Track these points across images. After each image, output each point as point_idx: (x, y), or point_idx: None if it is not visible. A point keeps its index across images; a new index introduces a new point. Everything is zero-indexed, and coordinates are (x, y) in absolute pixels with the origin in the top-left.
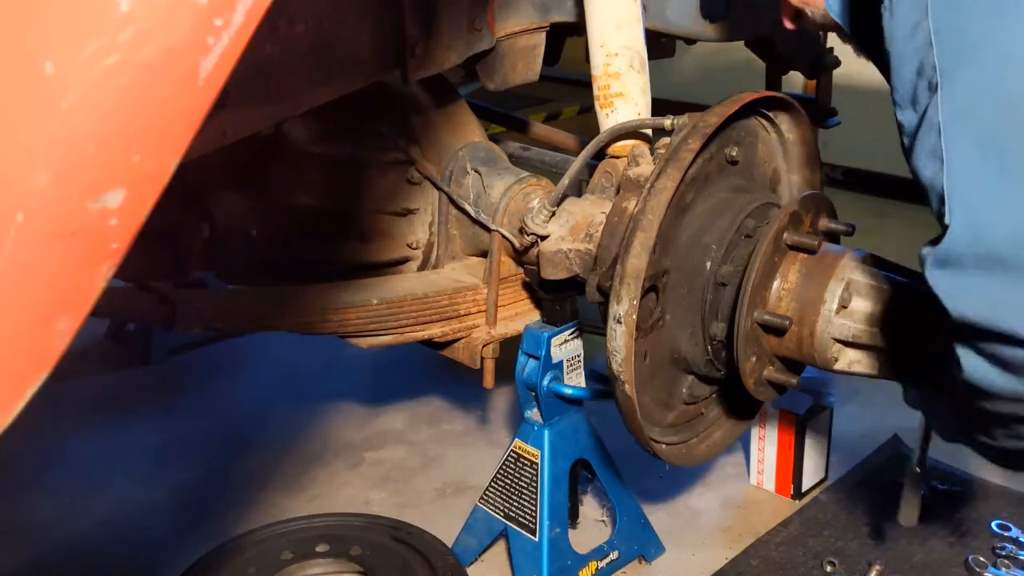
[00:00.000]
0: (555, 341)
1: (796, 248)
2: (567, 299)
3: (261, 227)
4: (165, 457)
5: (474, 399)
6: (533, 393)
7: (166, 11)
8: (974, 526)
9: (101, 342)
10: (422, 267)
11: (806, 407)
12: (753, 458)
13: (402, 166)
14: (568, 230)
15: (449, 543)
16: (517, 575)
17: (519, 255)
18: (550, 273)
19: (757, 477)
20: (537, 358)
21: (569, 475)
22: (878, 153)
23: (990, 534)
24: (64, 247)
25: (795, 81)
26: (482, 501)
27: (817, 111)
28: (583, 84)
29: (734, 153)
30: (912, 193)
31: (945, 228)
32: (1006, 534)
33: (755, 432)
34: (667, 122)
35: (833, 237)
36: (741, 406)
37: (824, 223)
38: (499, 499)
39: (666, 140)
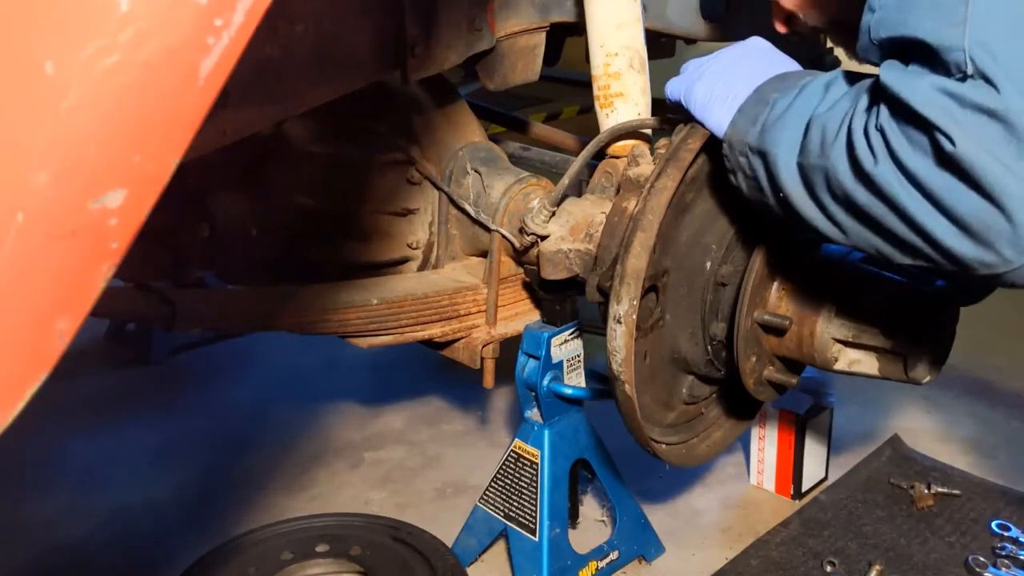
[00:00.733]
0: (555, 341)
1: None
2: (567, 299)
3: (261, 227)
4: (165, 457)
5: (474, 399)
6: (533, 393)
7: (166, 11)
8: (974, 526)
9: (101, 342)
10: (422, 267)
11: (806, 407)
12: (753, 458)
13: (402, 166)
14: (568, 230)
15: (449, 543)
16: (517, 575)
17: (519, 255)
18: (550, 273)
19: (757, 477)
20: (537, 358)
21: (569, 475)
22: None
23: (990, 534)
24: (64, 247)
25: None
26: (482, 501)
27: None
28: (583, 84)
29: None
30: None
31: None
32: (1006, 534)
33: (755, 432)
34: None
35: None
36: (741, 406)
37: None
38: (499, 499)
39: (666, 140)
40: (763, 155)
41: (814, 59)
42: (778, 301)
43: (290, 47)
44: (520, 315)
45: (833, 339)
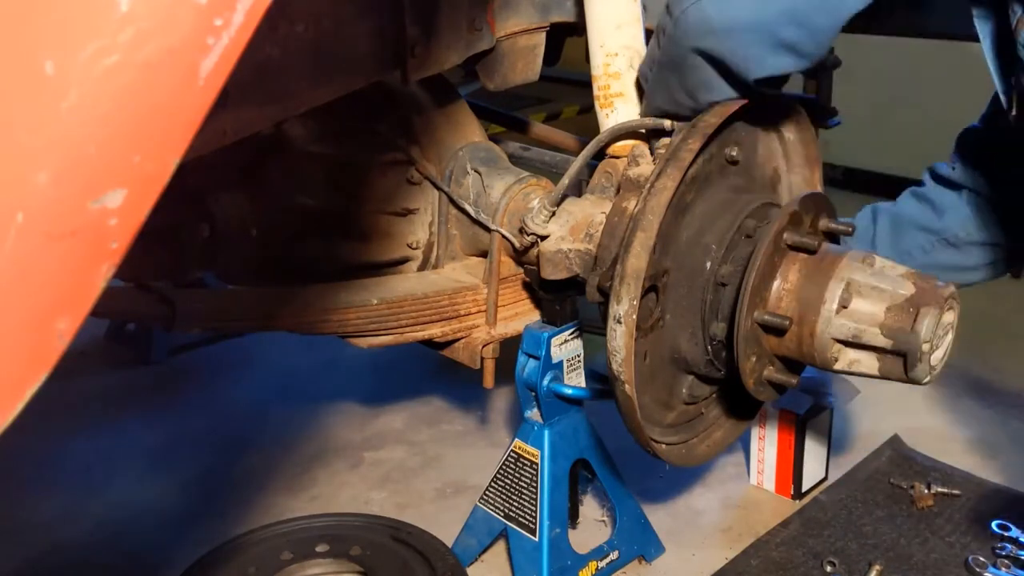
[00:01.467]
0: (555, 341)
1: (796, 248)
2: (567, 299)
3: (261, 227)
4: (165, 457)
5: (474, 399)
6: (533, 393)
7: (166, 11)
8: (974, 526)
9: (101, 342)
10: (422, 267)
11: (806, 407)
12: (753, 458)
13: (402, 166)
14: (568, 230)
15: (449, 543)
16: (517, 575)
17: (519, 255)
18: (550, 273)
19: (757, 477)
20: (537, 358)
21: (569, 475)
22: (878, 153)
23: (990, 534)
24: (64, 247)
25: (795, 81)
26: (482, 501)
27: (817, 111)
28: (583, 84)
29: (734, 153)
30: None
31: None
32: (1006, 534)
33: (755, 432)
34: (667, 122)
35: (833, 237)
36: (741, 406)
37: (824, 223)
38: (499, 499)
39: (666, 140)
40: None
41: None
42: (778, 301)
43: (290, 47)
44: (520, 315)
45: (833, 339)
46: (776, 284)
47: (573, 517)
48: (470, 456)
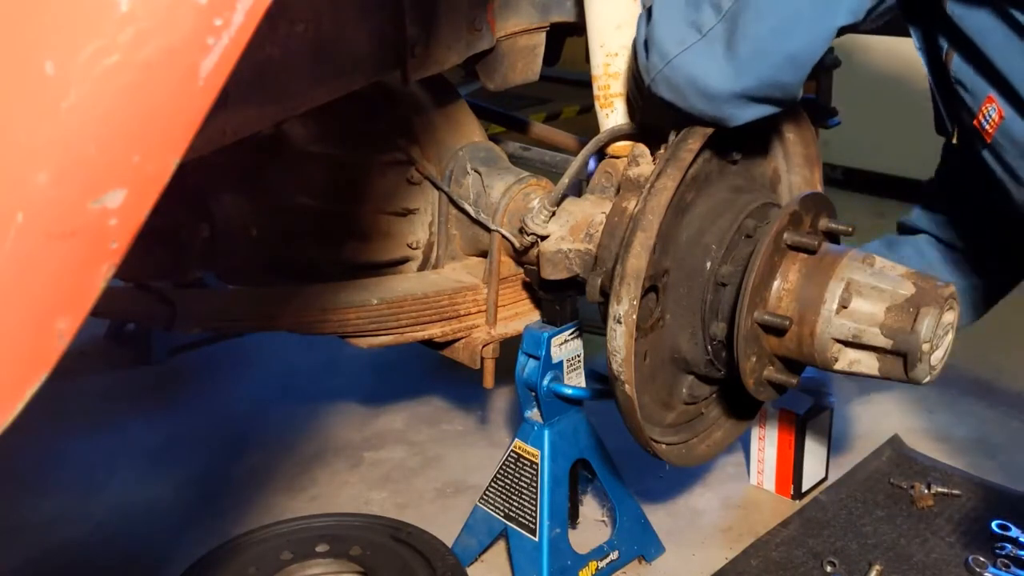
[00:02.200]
0: (555, 341)
1: (796, 248)
2: (567, 299)
3: (261, 227)
4: (165, 457)
5: (474, 399)
6: (533, 393)
7: (166, 11)
8: (974, 526)
9: (101, 342)
10: (422, 267)
11: (806, 407)
12: (753, 458)
13: (402, 166)
14: (568, 230)
15: (449, 543)
16: (517, 575)
17: (519, 255)
18: (550, 273)
19: (757, 477)
20: (537, 358)
21: (569, 475)
22: (878, 153)
23: (990, 534)
24: (64, 247)
25: None
26: (482, 501)
27: (817, 111)
28: (583, 84)
29: (734, 153)
30: (912, 193)
31: None
32: (1006, 534)
33: (755, 432)
34: None
35: (833, 237)
36: (741, 406)
37: (824, 223)
38: (499, 499)
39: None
40: None
41: None
42: (778, 301)
43: (290, 47)
44: (520, 315)
45: (833, 339)
46: (776, 284)
47: (573, 517)
48: (470, 456)
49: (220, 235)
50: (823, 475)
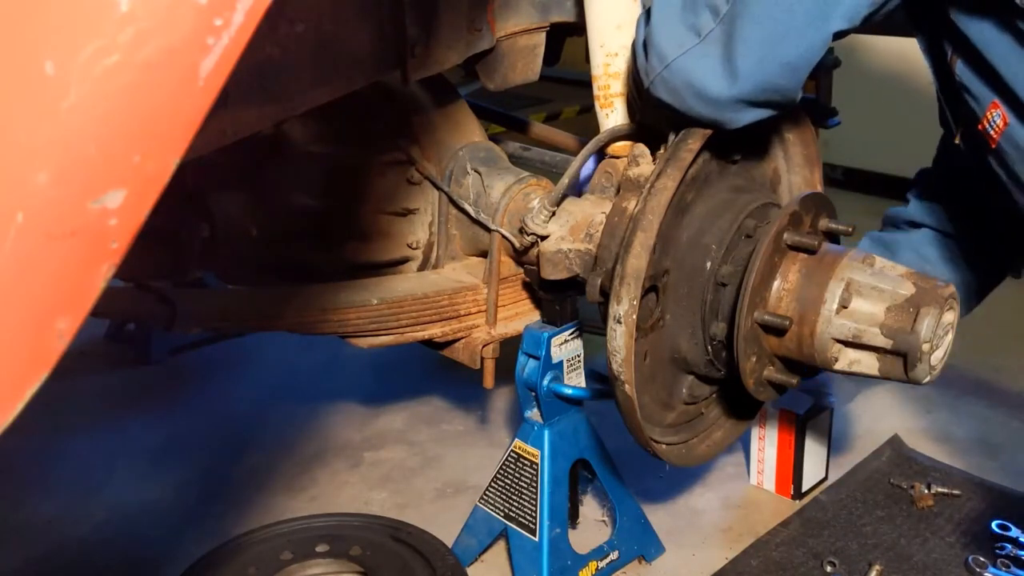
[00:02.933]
0: (555, 341)
1: (796, 248)
2: (567, 299)
3: (261, 227)
4: (165, 457)
5: (474, 399)
6: (533, 393)
7: (166, 11)
8: (974, 526)
9: (101, 342)
10: (422, 267)
11: (806, 407)
12: (753, 458)
13: (402, 166)
14: (568, 230)
15: (449, 543)
16: (517, 575)
17: (519, 255)
18: (550, 273)
19: (757, 477)
20: (537, 358)
21: (569, 475)
22: (878, 153)
23: (990, 534)
24: (64, 247)
25: None
26: (482, 501)
27: (817, 111)
28: (583, 84)
29: (734, 153)
30: None
31: None
32: (1006, 534)
33: (755, 432)
34: None
35: (833, 237)
36: (741, 406)
37: (824, 223)
38: (499, 499)
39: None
40: None
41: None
42: (778, 301)
43: (290, 47)
44: (520, 315)
45: (833, 339)
46: (776, 284)
47: (573, 517)
48: (470, 456)
49: (220, 235)
50: (823, 475)
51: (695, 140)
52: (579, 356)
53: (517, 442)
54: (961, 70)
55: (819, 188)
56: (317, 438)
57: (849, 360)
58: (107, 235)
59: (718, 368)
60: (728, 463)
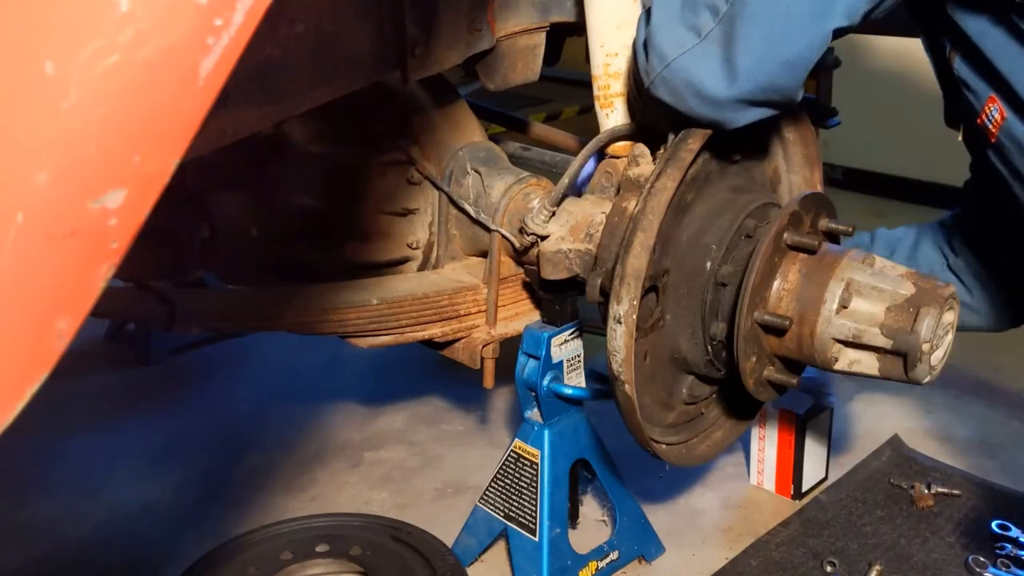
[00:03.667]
0: (555, 341)
1: (796, 248)
2: (567, 299)
3: (261, 227)
4: (165, 457)
5: (474, 399)
6: (533, 393)
7: (166, 11)
8: (974, 526)
9: (101, 342)
10: (422, 267)
11: (806, 407)
12: (753, 458)
13: (402, 166)
14: (568, 230)
15: (449, 543)
16: (517, 575)
17: (519, 255)
18: (550, 273)
19: (757, 477)
20: (537, 358)
21: (569, 475)
22: (878, 153)
23: (990, 534)
24: (64, 247)
25: None
26: (482, 501)
27: (817, 111)
28: (583, 84)
29: (734, 153)
30: (912, 193)
31: None
32: (1006, 534)
33: (755, 432)
34: None
35: (833, 237)
36: (741, 406)
37: (824, 223)
38: (499, 499)
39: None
40: None
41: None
42: (778, 301)
43: (290, 47)
44: (520, 315)
45: (833, 339)
46: (776, 284)
47: (573, 517)
48: (470, 456)
49: (220, 235)
50: (823, 475)
51: (695, 140)
52: (579, 356)
53: (517, 442)
54: (959, 65)
55: (819, 188)
56: (317, 438)
57: (849, 360)
58: (107, 235)
59: (718, 368)
60: (728, 463)
